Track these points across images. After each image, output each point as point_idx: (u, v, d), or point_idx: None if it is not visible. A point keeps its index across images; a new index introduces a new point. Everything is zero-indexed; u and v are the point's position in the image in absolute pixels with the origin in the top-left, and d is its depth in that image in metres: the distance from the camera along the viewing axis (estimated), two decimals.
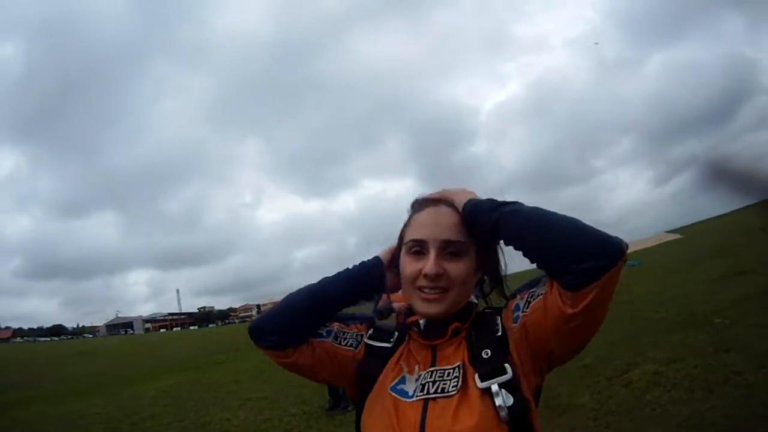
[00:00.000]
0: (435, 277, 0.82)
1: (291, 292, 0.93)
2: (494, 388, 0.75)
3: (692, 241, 20.84)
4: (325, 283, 0.94)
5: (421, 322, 0.86)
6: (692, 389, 3.99)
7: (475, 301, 0.93)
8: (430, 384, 0.81)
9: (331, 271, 0.96)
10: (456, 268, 0.83)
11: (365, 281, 0.94)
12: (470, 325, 0.87)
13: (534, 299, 0.79)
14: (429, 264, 0.82)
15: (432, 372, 0.82)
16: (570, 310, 0.72)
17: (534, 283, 0.82)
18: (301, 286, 0.96)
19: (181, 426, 5.64)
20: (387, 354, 0.90)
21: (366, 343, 0.94)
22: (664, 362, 4.87)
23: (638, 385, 4.49)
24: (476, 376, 0.78)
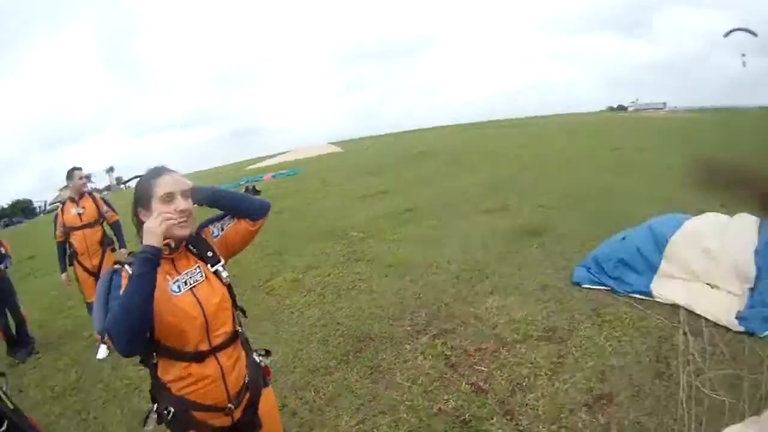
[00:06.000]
0: (187, 212, 1.39)
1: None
2: (219, 268, 1.47)
3: (350, 157, 24.11)
4: (132, 293, 1.21)
5: (172, 243, 1.40)
6: (324, 294, 4.56)
7: None
8: (189, 280, 1.41)
9: None
10: (191, 205, 1.44)
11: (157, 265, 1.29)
12: (187, 243, 1.46)
13: (227, 225, 1.55)
14: (183, 204, 1.38)
15: (184, 274, 1.41)
16: (253, 228, 1.55)
17: (217, 219, 1.56)
18: None
19: None
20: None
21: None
22: (302, 270, 5.39)
23: (279, 292, 4.84)
24: (209, 266, 1.46)
